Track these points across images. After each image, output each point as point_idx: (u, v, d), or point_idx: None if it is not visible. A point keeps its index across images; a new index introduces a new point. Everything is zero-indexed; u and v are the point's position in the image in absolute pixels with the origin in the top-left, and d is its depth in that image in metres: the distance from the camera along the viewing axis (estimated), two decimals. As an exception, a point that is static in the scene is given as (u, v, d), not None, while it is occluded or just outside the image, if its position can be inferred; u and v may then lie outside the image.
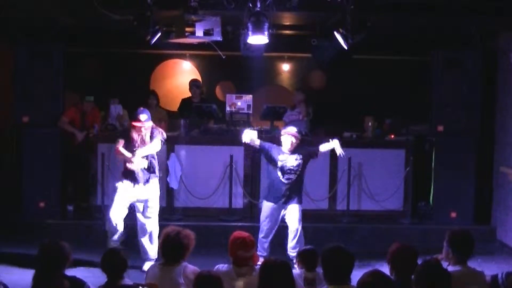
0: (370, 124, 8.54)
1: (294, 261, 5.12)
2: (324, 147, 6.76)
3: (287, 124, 8.79)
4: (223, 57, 7.34)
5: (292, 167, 6.62)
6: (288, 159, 6.63)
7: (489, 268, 5.88)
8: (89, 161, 8.25)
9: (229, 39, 7.63)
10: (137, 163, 6.38)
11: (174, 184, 8.01)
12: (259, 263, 4.17)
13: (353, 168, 8.21)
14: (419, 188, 8.40)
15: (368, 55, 9.69)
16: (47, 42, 8.15)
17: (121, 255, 4.30)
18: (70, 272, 4.26)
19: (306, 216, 8.17)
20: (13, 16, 7.88)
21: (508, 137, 7.98)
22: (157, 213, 6.70)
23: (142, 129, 6.37)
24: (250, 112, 8.68)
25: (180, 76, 10.64)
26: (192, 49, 9.43)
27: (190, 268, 4.48)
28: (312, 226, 7.84)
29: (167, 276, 4.42)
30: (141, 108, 6.54)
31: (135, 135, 6.42)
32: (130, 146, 6.45)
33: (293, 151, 6.66)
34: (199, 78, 10.10)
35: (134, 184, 6.50)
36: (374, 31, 6.97)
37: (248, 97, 8.72)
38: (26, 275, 5.69)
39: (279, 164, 6.62)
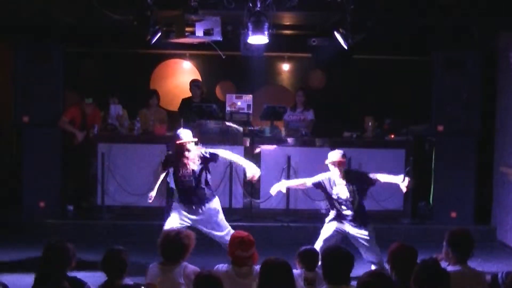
0: (370, 124, 8.54)
1: None
2: (387, 178, 6.15)
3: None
4: (223, 57, 7.34)
5: (346, 199, 5.99)
6: (341, 190, 6.02)
7: (489, 268, 5.88)
8: (89, 161, 8.25)
9: (229, 39, 7.63)
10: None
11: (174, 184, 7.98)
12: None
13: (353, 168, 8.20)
14: (419, 188, 8.39)
15: (368, 55, 9.69)
16: (47, 42, 8.16)
17: (121, 256, 4.31)
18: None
19: (306, 216, 8.22)
20: (13, 16, 7.88)
21: (508, 137, 7.98)
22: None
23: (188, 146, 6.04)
24: (250, 112, 8.69)
25: (180, 76, 10.64)
26: (192, 49, 9.43)
27: (190, 268, 4.48)
28: (312, 226, 7.84)
29: (167, 276, 4.43)
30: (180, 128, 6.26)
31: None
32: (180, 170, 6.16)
33: (345, 180, 6.01)
34: (199, 78, 10.10)
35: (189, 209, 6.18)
36: (374, 31, 6.97)
37: (248, 97, 8.72)
38: (27, 275, 5.70)
39: (334, 196, 6.02)
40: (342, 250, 3.98)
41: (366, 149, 8.40)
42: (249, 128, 8.47)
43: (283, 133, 8.68)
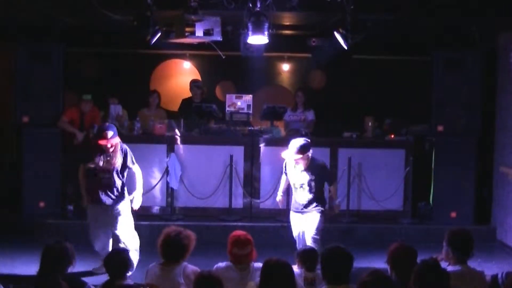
0: (370, 124, 8.54)
1: None
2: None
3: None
4: (223, 57, 7.34)
5: (303, 184, 6.18)
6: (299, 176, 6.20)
7: (489, 268, 5.88)
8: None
9: (229, 39, 7.63)
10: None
11: (174, 184, 8.01)
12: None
13: (353, 168, 8.21)
14: (419, 188, 8.39)
15: (368, 55, 9.69)
16: (47, 42, 8.16)
17: (123, 255, 4.32)
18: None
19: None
20: (13, 16, 7.88)
21: (508, 137, 7.98)
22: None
23: (108, 145, 6.07)
24: (250, 112, 8.69)
25: (180, 76, 10.64)
26: (192, 49, 9.43)
27: (190, 268, 4.49)
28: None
29: (167, 276, 4.43)
30: (106, 124, 6.34)
31: (99, 154, 6.13)
32: (95, 164, 6.15)
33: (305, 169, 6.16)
34: (199, 78, 10.10)
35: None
36: (374, 31, 6.97)
37: (248, 97, 8.72)
38: (27, 276, 5.71)
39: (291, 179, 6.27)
40: (341, 250, 3.98)
41: (366, 149, 8.40)
42: (249, 128, 8.47)
43: (283, 133, 8.68)
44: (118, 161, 6.19)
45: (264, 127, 8.66)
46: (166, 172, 8.03)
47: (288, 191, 7.78)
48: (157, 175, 8.15)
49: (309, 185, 6.13)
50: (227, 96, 8.90)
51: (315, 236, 6.12)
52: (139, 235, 6.78)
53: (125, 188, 6.35)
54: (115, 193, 6.22)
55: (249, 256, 4.56)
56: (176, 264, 4.48)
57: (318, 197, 6.21)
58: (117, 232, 6.24)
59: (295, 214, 6.32)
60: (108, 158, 6.14)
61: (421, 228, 8.07)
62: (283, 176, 6.43)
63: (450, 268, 4.20)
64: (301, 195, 6.19)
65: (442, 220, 8.04)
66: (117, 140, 6.17)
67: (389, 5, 7.21)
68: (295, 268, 4.76)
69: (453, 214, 8.15)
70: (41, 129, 8.06)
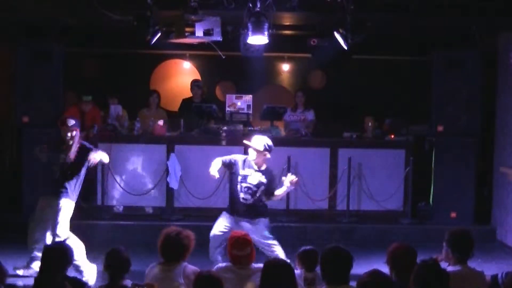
0: (370, 124, 8.54)
1: None
2: (279, 191, 5.99)
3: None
4: (223, 57, 7.34)
5: (251, 185, 5.93)
6: (251, 175, 5.97)
7: (489, 268, 5.88)
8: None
9: (229, 39, 7.63)
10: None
11: (174, 184, 8.00)
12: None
13: (353, 168, 8.21)
14: (419, 188, 8.39)
15: (368, 55, 9.69)
16: (47, 42, 8.16)
17: (124, 255, 4.32)
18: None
19: (306, 216, 8.21)
20: (13, 16, 7.88)
21: (508, 137, 7.98)
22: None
23: (68, 133, 6.15)
24: (250, 112, 8.69)
25: (180, 76, 10.64)
26: (192, 49, 9.42)
27: (190, 268, 4.49)
28: (312, 226, 7.88)
29: (167, 276, 4.43)
30: (70, 116, 6.44)
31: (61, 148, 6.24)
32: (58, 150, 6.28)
33: (260, 169, 5.99)
34: (199, 78, 10.10)
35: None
36: (374, 31, 6.97)
37: (248, 97, 8.73)
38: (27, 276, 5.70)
39: (239, 178, 5.97)
40: (341, 250, 3.98)
41: (366, 149, 8.40)
42: (249, 128, 8.47)
43: (283, 133, 8.68)
44: (73, 156, 6.19)
45: (264, 127, 8.66)
46: (166, 172, 8.02)
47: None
48: (157, 175, 8.15)
49: (258, 186, 5.90)
50: (227, 96, 8.91)
51: (272, 243, 5.89)
52: (139, 235, 6.80)
53: (74, 188, 6.30)
54: (63, 188, 6.23)
55: (249, 257, 4.55)
56: (176, 264, 4.47)
57: (258, 205, 5.96)
58: (56, 226, 6.19)
59: (235, 219, 5.94)
60: (67, 153, 6.19)
61: (421, 228, 8.06)
62: (223, 163, 6.06)
63: (450, 268, 4.20)
64: (243, 197, 5.93)
65: (442, 220, 8.04)
66: (77, 131, 6.21)
67: (389, 5, 7.21)
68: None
69: (453, 214, 8.15)
70: (41, 129, 8.05)
